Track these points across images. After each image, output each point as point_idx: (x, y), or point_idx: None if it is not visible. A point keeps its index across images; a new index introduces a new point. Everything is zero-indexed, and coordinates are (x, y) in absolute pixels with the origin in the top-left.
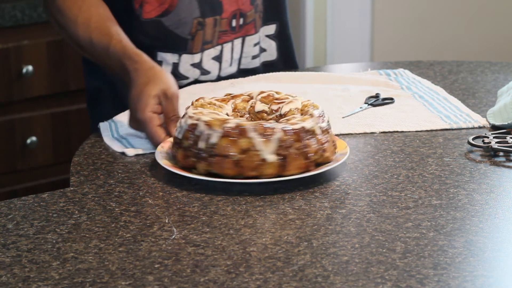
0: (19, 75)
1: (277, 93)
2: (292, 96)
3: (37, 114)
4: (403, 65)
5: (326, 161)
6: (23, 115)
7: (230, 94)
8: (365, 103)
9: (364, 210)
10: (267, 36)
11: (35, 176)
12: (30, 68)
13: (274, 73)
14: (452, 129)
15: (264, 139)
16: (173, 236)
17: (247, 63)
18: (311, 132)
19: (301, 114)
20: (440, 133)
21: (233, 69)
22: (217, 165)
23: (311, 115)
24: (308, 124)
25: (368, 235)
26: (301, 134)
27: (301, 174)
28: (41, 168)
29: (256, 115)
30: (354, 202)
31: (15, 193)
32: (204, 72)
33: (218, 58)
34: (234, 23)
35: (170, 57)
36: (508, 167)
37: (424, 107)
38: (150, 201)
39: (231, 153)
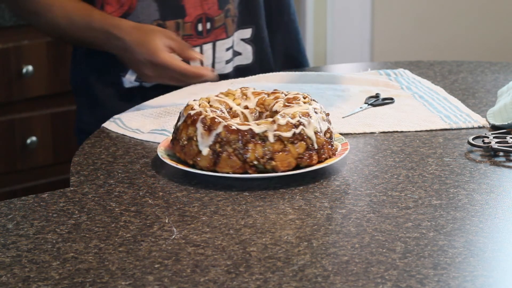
0: (19, 75)
1: (304, 96)
2: (305, 101)
3: (37, 114)
4: (403, 65)
5: (275, 170)
6: (23, 115)
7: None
8: (365, 103)
9: (364, 210)
10: (243, 40)
11: (35, 176)
12: (30, 68)
13: (274, 73)
14: (452, 129)
15: (204, 131)
16: (173, 236)
17: (221, 68)
18: (260, 137)
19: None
20: (440, 133)
21: None
22: (174, 148)
23: (275, 121)
24: (258, 128)
25: (368, 235)
26: (245, 136)
27: (282, 173)
28: (41, 168)
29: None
30: (354, 202)
31: (15, 193)
32: None
33: (186, 63)
34: (200, 27)
35: None
36: (508, 167)
37: (424, 107)
38: (150, 201)
39: (181, 139)
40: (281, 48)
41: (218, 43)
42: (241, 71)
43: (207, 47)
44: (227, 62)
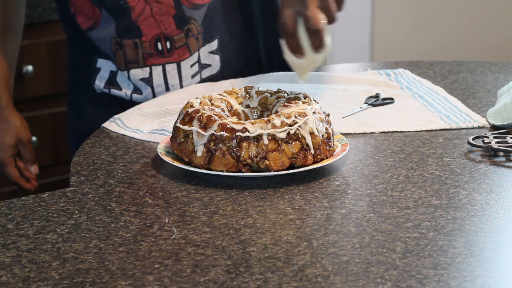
0: (19, 75)
1: (305, 96)
2: (304, 101)
3: (37, 114)
4: (403, 65)
5: (268, 169)
6: (23, 115)
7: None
8: (365, 103)
9: (364, 210)
10: (211, 52)
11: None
12: (30, 68)
13: (274, 73)
14: (452, 129)
15: (200, 129)
16: (173, 236)
17: (187, 84)
18: (254, 136)
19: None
20: (440, 133)
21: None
22: (172, 145)
23: (269, 121)
24: (253, 127)
25: (368, 235)
26: (239, 134)
27: (278, 171)
28: (41, 168)
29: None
30: (354, 202)
31: (15, 193)
32: (137, 90)
33: (148, 82)
34: (160, 46)
35: (108, 64)
36: (508, 167)
37: (424, 107)
38: (150, 201)
39: (179, 136)
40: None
41: (183, 63)
42: (206, 81)
43: (171, 67)
44: (193, 76)
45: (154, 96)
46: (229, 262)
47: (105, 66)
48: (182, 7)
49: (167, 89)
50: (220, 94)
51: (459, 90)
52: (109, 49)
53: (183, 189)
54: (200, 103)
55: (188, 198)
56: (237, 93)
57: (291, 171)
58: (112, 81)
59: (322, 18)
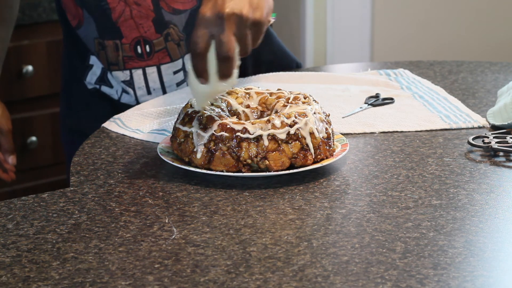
0: (19, 75)
1: (305, 97)
2: (304, 101)
3: (37, 114)
4: (403, 65)
5: (268, 169)
6: (23, 115)
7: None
8: (365, 103)
9: (364, 210)
10: None
11: (35, 176)
12: (30, 68)
13: (274, 73)
14: (452, 129)
15: (200, 129)
16: (173, 236)
17: (173, 91)
18: (254, 136)
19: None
20: (440, 133)
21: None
22: (172, 145)
23: (269, 121)
24: (253, 127)
25: (368, 235)
26: (239, 134)
27: (279, 171)
28: (41, 168)
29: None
30: (354, 202)
31: (15, 193)
32: (125, 90)
33: (130, 84)
34: (139, 49)
35: (99, 62)
36: (508, 167)
37: (424, 107)
38: (150, 201)
39: (179, 136)
40: (270, 59)
41: (163, 67)
42: None
43: (151, 70)
44: (178, 84)
45: (136, 98)
46: (229, 262)
47: (97, 63)
48: (162, 11)
49: (149, 92)
50: (220, 94)
51: (459, 90)
52: (93, 49)
53: (183, 189)
54: None
55: (188, 198)
56: (237, 93)
57: (291, 171)
58: (103, 78)
59: (235, 47)
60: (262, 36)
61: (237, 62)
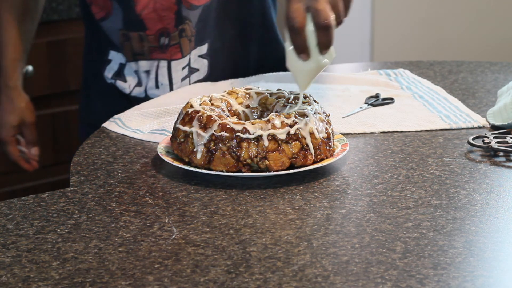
0: None
1: (305, 97)
2: (304, 101)
3: (37, 114)
4: (403, 65)
5: (268, 169)
6: None
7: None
8: (365, 103)
9: (364, 210)
10: (200, 56)
11: (35, 176)
12: (30, 68)
13: (274, 73)
14: (452, 129)
15: (200, 129)
16: (173, 236)
17: (178, 87)
18: (254, 136)
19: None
20: (440, 133)
21: (162, 93)
22: (172, 145)
23: (269, 121)
24: (253, 128)
25: (368, 235)
26: (239, 134)
27: (279, 171)
28: (41, 168)
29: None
30: (354, 202)
31: (15, 193)
32: (139, 83)
33: (148, 75)
34: (162, 40)
35: (118, 57)
36: (508, 167)
37: (424, 107)
38: (150, 201)
39: (179, 136)
40: (275, 55)
41: (173, 63)
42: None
43: (163, 64)
44: (183, 79)
45: (145, 90)
46: (229, 262)
47: (115, 58)
48: (182, 6)
49: (157, 86)
50: (220, 94)
51: (459, 90)
52: (117, 40)
53: (183, 189)
54: (200, 103)
55: (188, 198)
56: (237, 93)
57: (291, 171)
58: (119, 73)
59: (332, 15)
60: (351, 4)
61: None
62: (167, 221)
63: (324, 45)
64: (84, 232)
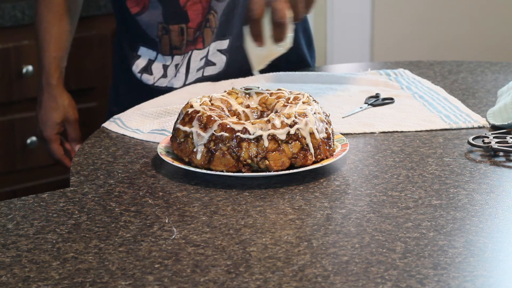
0: (19, 75)
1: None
2: (304, 101)
3: None
4: (403, 65)
5: (268, 169)
6: (23, 115)
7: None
8: (365, 103)
9: (364, 210)
10: (219, 50)
11: (35, 176)
12: (30, 68)
13: (274, 73)
14: (452, 129)
15: (200, 129)
16: (173, 236)
17: (192, 77)
18: (254, 136)
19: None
20: (440, 133)
21: (179, 83)
22: (172, 145)
23: (269, 121)
24: (253, 128)
25: (368, 235)
26: (239, 134)
27: (280, 171)
28: (41, 168)
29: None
30: (354, 202)
31: (15, 193)
32: (164, 75)
33: (176, 68)
34: (197, 33)
35: (148, 53)
36: (508, 167)
37: (424, 107)
38: (150, 201)
39: (179, 136)
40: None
41: (195, 53)
42: (207, 79)
43: (189, 54)
44: (198, 70)
45: (167, 84)
46: (229, 262)
47: (145, 54)
48: None
49: (175, 75)
50: (220, 94)
51: (459, 90)
52: (155, 34)
53: (183, 189)
54: (200, 103)
55: (188, 198)
56: (237, 93)
57: (291, 171)
58: (147, 69)
59: (288, 14)
60: (314, 4)
61: (291, 27)
62: (167, 221)
63: (277, 39)
64: (84, 232)
